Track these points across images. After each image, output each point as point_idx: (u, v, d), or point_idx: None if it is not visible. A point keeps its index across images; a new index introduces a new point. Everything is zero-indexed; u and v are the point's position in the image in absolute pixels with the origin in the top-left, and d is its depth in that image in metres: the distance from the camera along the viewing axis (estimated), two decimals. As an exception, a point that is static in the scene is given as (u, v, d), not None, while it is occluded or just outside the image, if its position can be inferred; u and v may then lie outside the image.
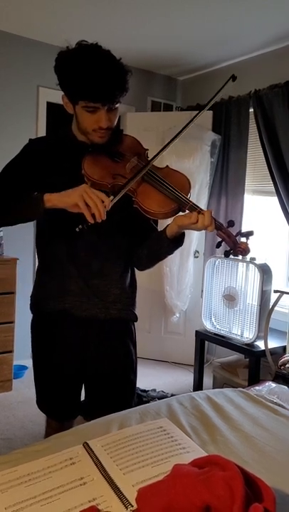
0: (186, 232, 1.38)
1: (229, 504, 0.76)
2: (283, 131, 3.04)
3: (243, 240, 1.32)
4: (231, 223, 1.31)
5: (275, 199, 3.17)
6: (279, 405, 1.57)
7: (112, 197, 1.24)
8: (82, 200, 1.20)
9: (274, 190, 3.15)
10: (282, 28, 2.91)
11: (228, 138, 3.55)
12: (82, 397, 1.57)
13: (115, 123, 1.34)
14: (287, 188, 3.05)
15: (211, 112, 3.59)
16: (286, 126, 3.02)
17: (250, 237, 1.32)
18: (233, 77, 1.37)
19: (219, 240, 1.33)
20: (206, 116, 3.57)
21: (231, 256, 1.32)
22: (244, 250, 1.29)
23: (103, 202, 1.20)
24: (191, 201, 1.29)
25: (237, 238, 1.32)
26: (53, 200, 1.26)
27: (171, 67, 3.83)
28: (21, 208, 1.30)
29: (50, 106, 3.40)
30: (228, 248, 1.31)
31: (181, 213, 1.31)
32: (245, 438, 1.29)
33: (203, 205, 3.58)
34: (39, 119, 3.41)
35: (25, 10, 2.83)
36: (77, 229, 1.21)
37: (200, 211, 1.26)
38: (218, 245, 1.35)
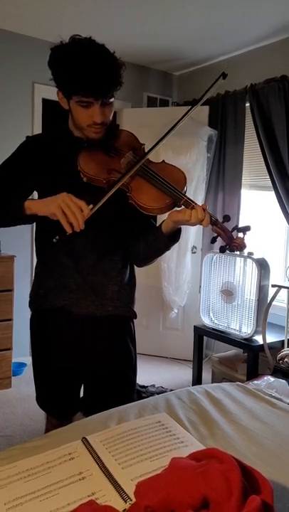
0: (184, 227, 1.37)
1: (227, 496, 0.76)
2: (279, 126, 3.04)
3: (240, 235, 1.30)
4: (227, 218, 1.30)
5: (272, 193, 3.17)
6: (277, 399, 1.57)
7: (91, 206, 1.21)
8: (60, 210, 1.19)
9: (271, 185, 3.15)
10: (278, 22, 2.90)
11: (224, 133, 3.55)
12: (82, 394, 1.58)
13: (110, 118, 1.33)
14: (284, 182, 3.05)
15: (207, 107, 3.59)
16: (282, 121, 3.02)
17: (247, 233, 1.31)
18: (224, 75, 1.34)
19: (214, 235, 1.32)
20: (202, 111, 3.56)
21: (227, 251, 1.31)
22: (240, 246, 1.27)
23: (82, 211, 1.19)
24: (185, 196, 1.27)
25: (233, 233, 1.30)
26: (32, 208, 1.27)
27: (166, 62, 3.82)
28: (8, 213, 1.33)
29: (46, 102, 3.38)
30: (224, 243, 1.30)
31: (176, 208, 1.30)
32: (243, 431, 1.29)
33: (200, 200, 3.58)
34: (35, 115, 3.39)
35: (21, 6, 2.81)
36: (54, 240, 1.21)
37: (194, 206, 1.25)
38: (213, 240, 1.34)
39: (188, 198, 1.27)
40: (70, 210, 1.19)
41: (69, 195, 1.22)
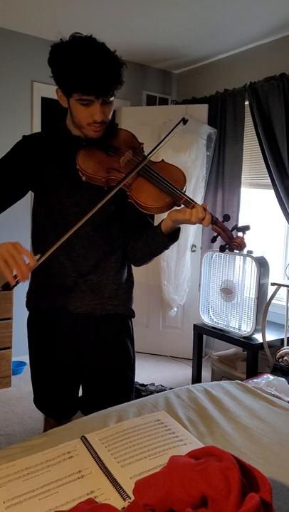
0: (183, 226, 1.36)
1: (225, 494, 0.76)
2: (279, 124, 3.04)
3: (240, 234, 1.30)
4: (227, 217, 1.29)
5: (271, 192, 3.17)
6: (276, 397, 1.57)
7: (38, 256, 1.15)
8: (3, 260, 1.12)
9: (270, 183, 3.15)
10: (277, 20, 2.89)
11: (223, 131, 3.54)
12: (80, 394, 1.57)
13: (110, 117, 1.33)
14: (284, 180, 3.05)
15: (207, 105, 3.58)
16: (282, 119, 3.02)
17: (247, 232, 1.31)
18: (184, 121, 1.34)
19: (215, 234, 1.32)
20: (202, 109, 3.55)
21: (227, 251, 1.31)
22: (240, 245, 1.27)
23: (28, 262, 1.12)
24: (185, 195, 1.27)
25: (233, 233, 1.30)
26: None
27: (166, 60, 3.81)
28: None
29: (45, 101, 3.38)
30: (224, 243, 1.30)
31: (176, 207, 1.30)
32: (243, 429, 1.29)
33: (199, 199, 3.58)
34: (34, 114, 3.39)
35: (20, 4, 2.80)
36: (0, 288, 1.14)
37: (194, 205, 1.24)
38: (214, 240, 1.34)
39: (188, 197, 1.26)
40: (14, 261, 1.11)
41: (14, 243, 1.15)
